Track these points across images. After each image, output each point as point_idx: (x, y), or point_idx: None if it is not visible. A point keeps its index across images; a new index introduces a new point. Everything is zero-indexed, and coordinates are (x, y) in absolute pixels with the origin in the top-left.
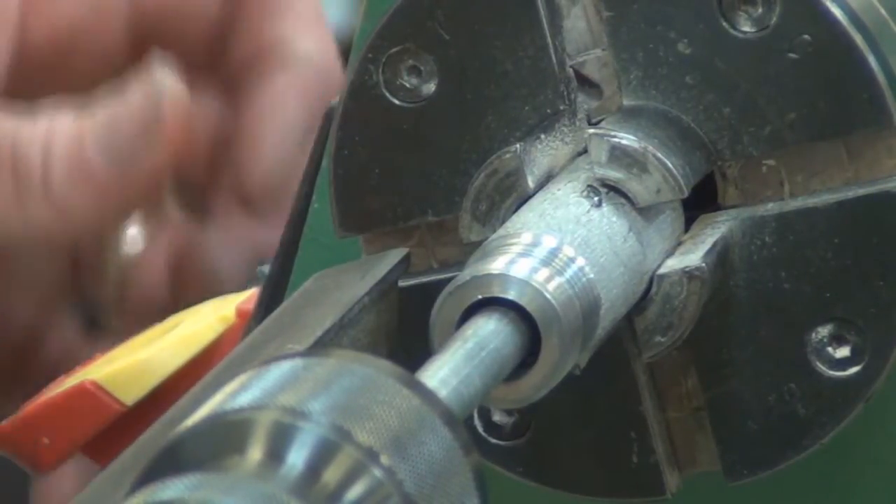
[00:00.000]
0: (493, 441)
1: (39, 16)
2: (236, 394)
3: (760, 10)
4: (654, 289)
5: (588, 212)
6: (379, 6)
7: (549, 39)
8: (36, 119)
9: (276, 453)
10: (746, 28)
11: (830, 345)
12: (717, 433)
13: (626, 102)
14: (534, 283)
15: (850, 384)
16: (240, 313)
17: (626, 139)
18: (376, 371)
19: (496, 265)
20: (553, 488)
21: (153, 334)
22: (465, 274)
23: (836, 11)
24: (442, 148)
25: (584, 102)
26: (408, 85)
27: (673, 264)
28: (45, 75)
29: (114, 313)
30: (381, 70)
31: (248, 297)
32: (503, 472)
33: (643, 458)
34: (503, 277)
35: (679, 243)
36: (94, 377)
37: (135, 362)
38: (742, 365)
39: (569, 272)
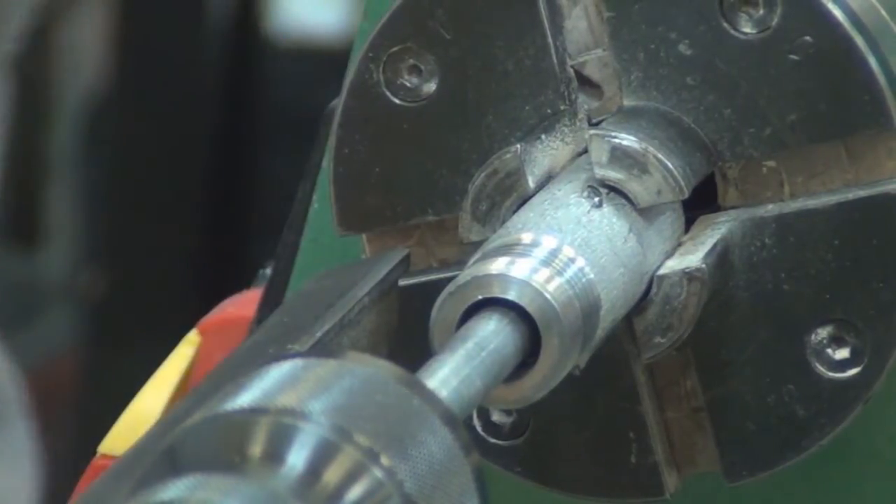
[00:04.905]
0: (492, 441)
1: None
2: (236, 394)
3: (761, 12)
4: (654, 290)
5: (588, 212)
6: (379, 6)
7: (549, 39)
8: None
9: (276, 454)
10: (747, 29)
11: (830, 346)
12: (716, 434)
13: (627, 103)
14: (534, 284)
15: (849, 386)
16: (203, 331)
17: (627, 140)
18: (376, 371)
19: (496, 266)
20: (551, 488)
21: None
22: (466, 274)
23: (837, 13)
24: (442, 147)
25: (584, 103)
26: (408, 84)
27: (673, 265)
28: None
29: None
30: (381, 69)
31: (222, 305)
32: (503, 472)
33: (642, 458)
34: (503, 278)
35: (679, 244)
36: (100, 451)
37: (126, 418)
38: (741, 366)
39: (569, 273)
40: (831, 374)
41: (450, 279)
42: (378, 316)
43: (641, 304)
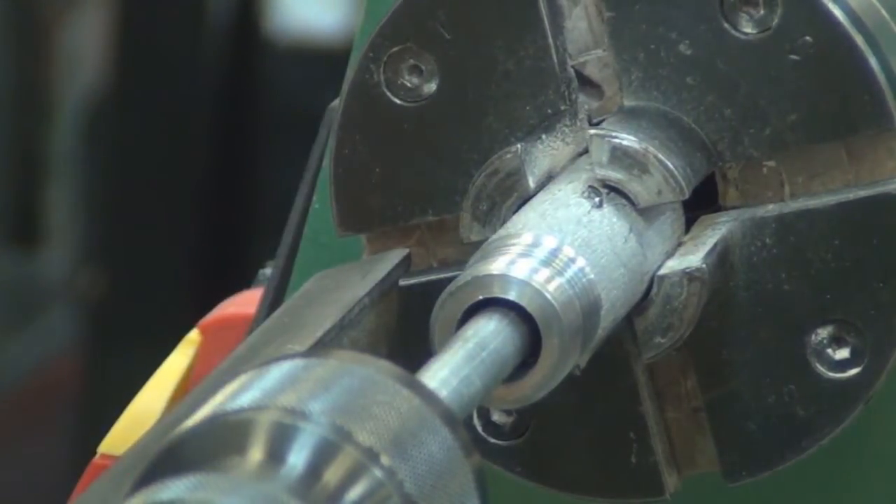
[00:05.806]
0: (493, 441)
1: None
2: (236, 394)
3: (762, 12)
4: (654, 290)
5: (589, 212)
6: (379, 6)
7: (550, 39)
8: None
9: (276, 454)
10: (748, 29)
11: (830, 346)
12: (716, 434)
13: (627, 103)
14: (534, 284)
15: (849, 386)
16: (203, 331)
17: (627, 140)
18: (376, 371)
19: (497, 266)
20: (552, 488)
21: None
22: (466, 274)
23: (838, 13)
24: (443, 148)
25: (585, 103)
26: (409, 84)
27: (673, 265)
28: None
29: None
30: (382, 69)
31: (222, 305)
32: (503, 472)
33: (642, 458)
34: (504, 278)
35: (679, 244)
36: (100, 451)
37: (127, 417)
38: (742, 366)
39: (569, 273)
40: (831, 374)
41: (450, 279)
42: (378, 316)
43: (642, 304)
